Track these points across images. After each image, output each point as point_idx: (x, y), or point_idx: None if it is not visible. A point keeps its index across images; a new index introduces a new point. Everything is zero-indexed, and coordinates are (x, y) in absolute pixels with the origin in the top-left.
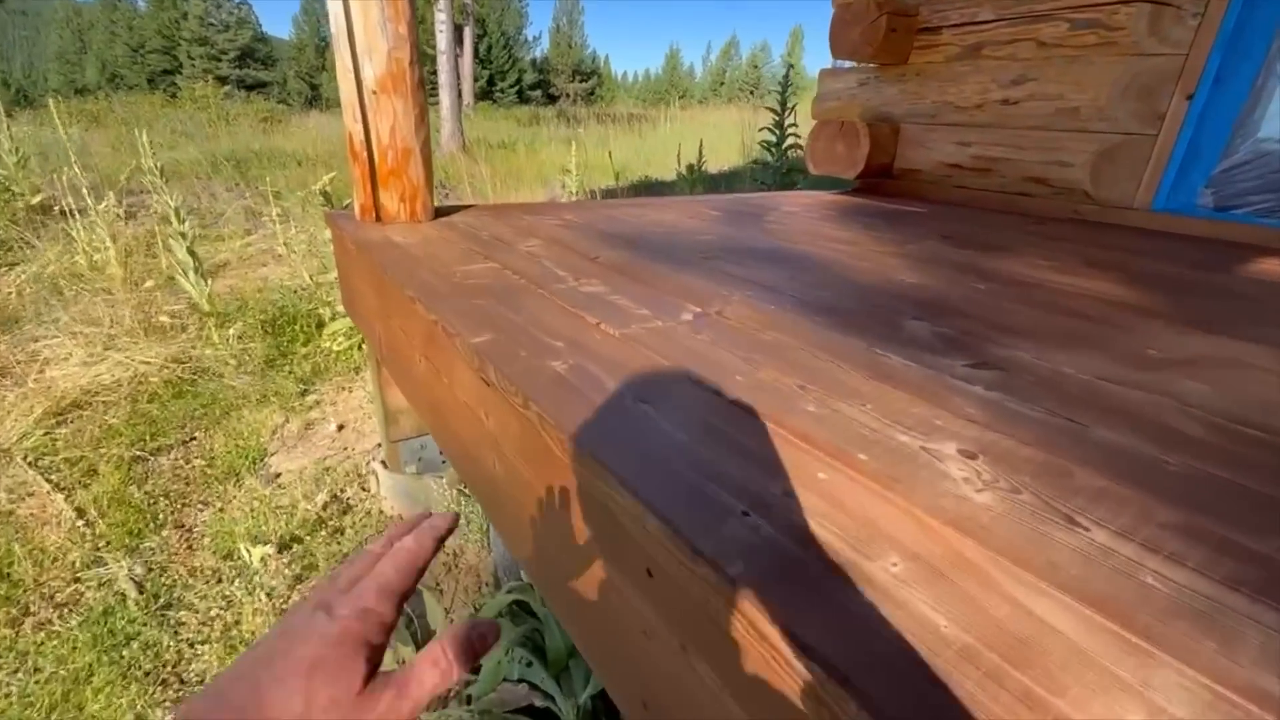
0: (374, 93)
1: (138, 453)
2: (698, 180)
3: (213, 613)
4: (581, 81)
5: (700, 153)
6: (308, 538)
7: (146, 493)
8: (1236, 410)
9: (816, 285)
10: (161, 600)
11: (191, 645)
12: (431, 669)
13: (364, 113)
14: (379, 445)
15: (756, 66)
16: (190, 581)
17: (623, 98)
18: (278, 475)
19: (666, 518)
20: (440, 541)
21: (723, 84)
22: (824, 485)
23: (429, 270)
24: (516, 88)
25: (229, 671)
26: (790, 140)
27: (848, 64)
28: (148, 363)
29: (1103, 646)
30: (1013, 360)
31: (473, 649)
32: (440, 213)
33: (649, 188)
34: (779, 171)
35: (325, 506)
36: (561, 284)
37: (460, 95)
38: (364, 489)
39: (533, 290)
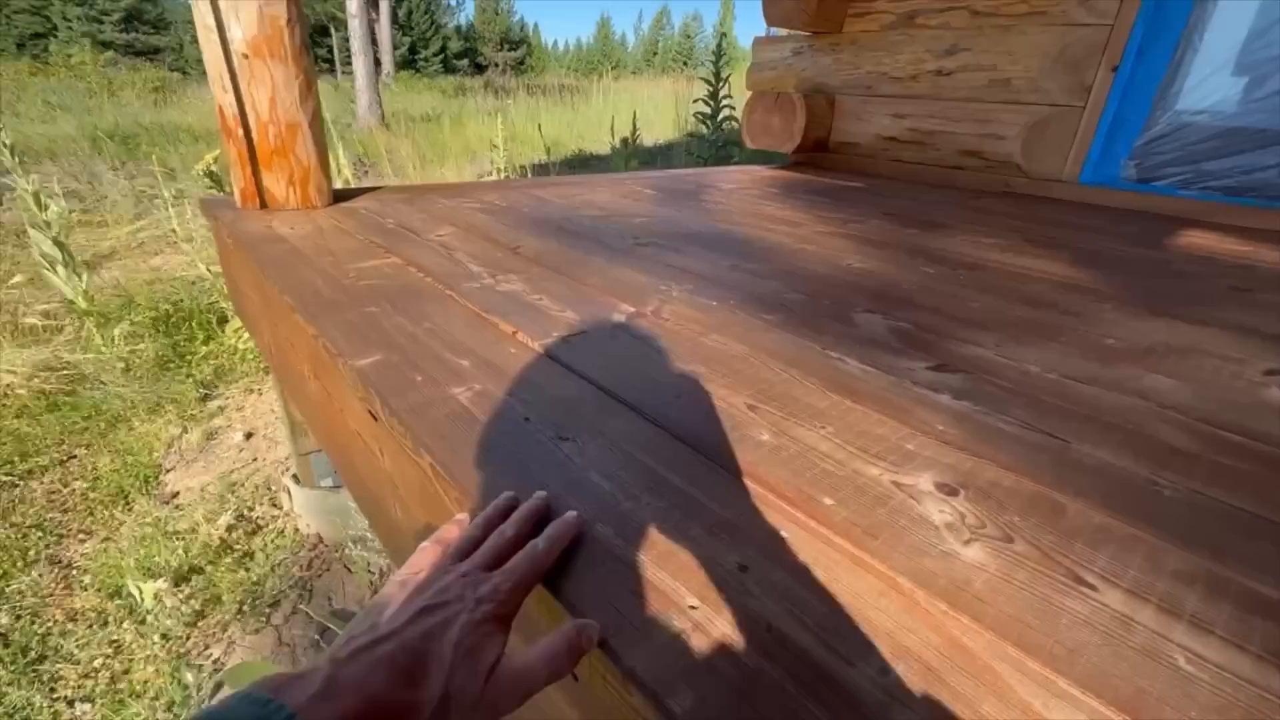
0: (245, 56)
1: (2, 478)
2: (632, 155)
3: (96, 663)
4: (510, 50)
5: (634, 126)
6: (209, 567)
7: (14, 525)
8: (1211, 410)
9: (762, 275)
10: (33, 653)
11: (70, 704)
12: (547, 664)
13: (235, 81)
14: (300, 455)
15: (689, 36)
16: (69, 628)
17: (554, 68)
18: (175, 495)
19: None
20: (565, 549)
21: (656, 54)
22: (788, 549)
23: (315, 269)
24: (441, 56)
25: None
26: (725, 113)
27: (783, 32)
28: (13, 371)
29: None
30: (976, 360)
31: (580, 648)
32: (341, 197)
33: (583, 162)
34: (715, 145)
35: (230, 529)
36: (475, 282)
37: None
38: (276, 506)
39: (440, 292)
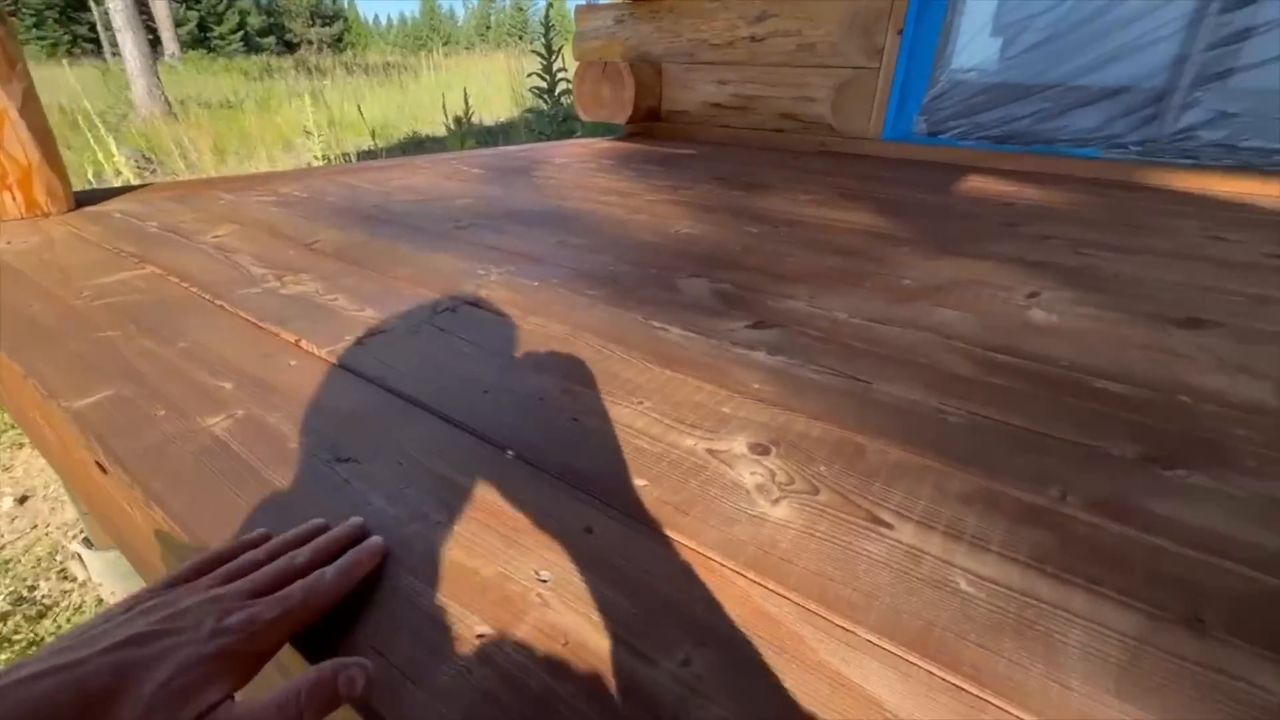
0: None
1: None
2: (469, 134)
3: None
4: (324, 26)
5: (467, 103)
6: None
7: None
8: (986, 336)
9: (589, 249)
10: None
11: None
12: (276, 715)
13: None
14: (85, 514)
15: (522, 9)
16: None
17: (377, 45)
18: None
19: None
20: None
21: (489, 28)
22: (593, 547)
23: (35, 292)
24: (241, 34)
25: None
26: (563, 86)
27: (604, 0)
28: None
29: (935, 717)
30: (791, 313)
31: (331, 694)
32: (89, 200)
33: (418, 145)
34: (555, 120)
35: (6, 616)
36: (255, 288)
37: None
38: (68, 578)
39: (206, 304)
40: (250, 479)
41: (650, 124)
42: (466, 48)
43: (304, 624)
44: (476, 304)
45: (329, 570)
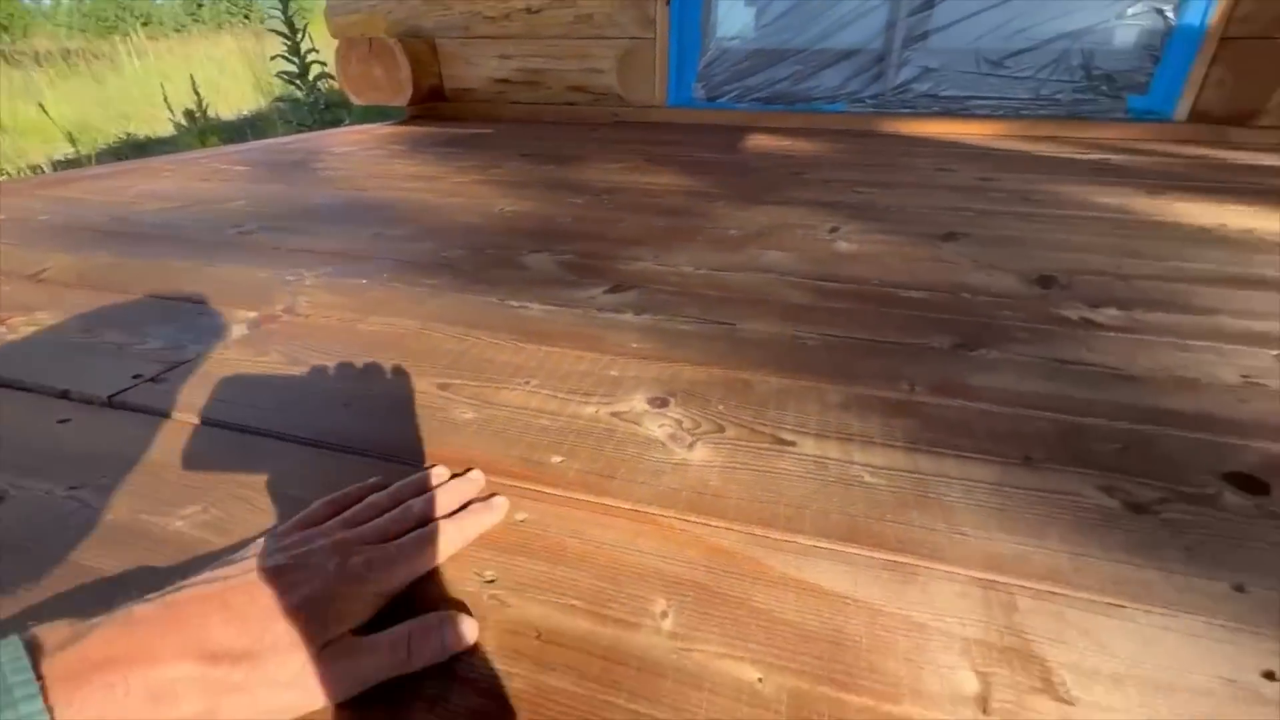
0: None
1: None
2: (209, 131)
3: None
4: None
5: (198, 95)
6: None
7: None
8: (811, 269)
9: (411, 239)
10: None
11: None
12: (388, 653)
13: None
14: None
15: None
16: None
17: (46, 29)
18: None
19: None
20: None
21: (200, 5)
22: (531, 533)
23: None
24: None
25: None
26: (318, 69)
27: None
28: None
29: (884, 589)
30: (641, 274)
31: (440, 645)
32: None
33: (139, 149)
34: (316, 108)
35: None
36: None
37: None
38: None
39: None
40: (56, 567)
41: (435, 105)
42: (176, 30)
43: (416, 574)
44: (297, 313)
45: (448, 524)
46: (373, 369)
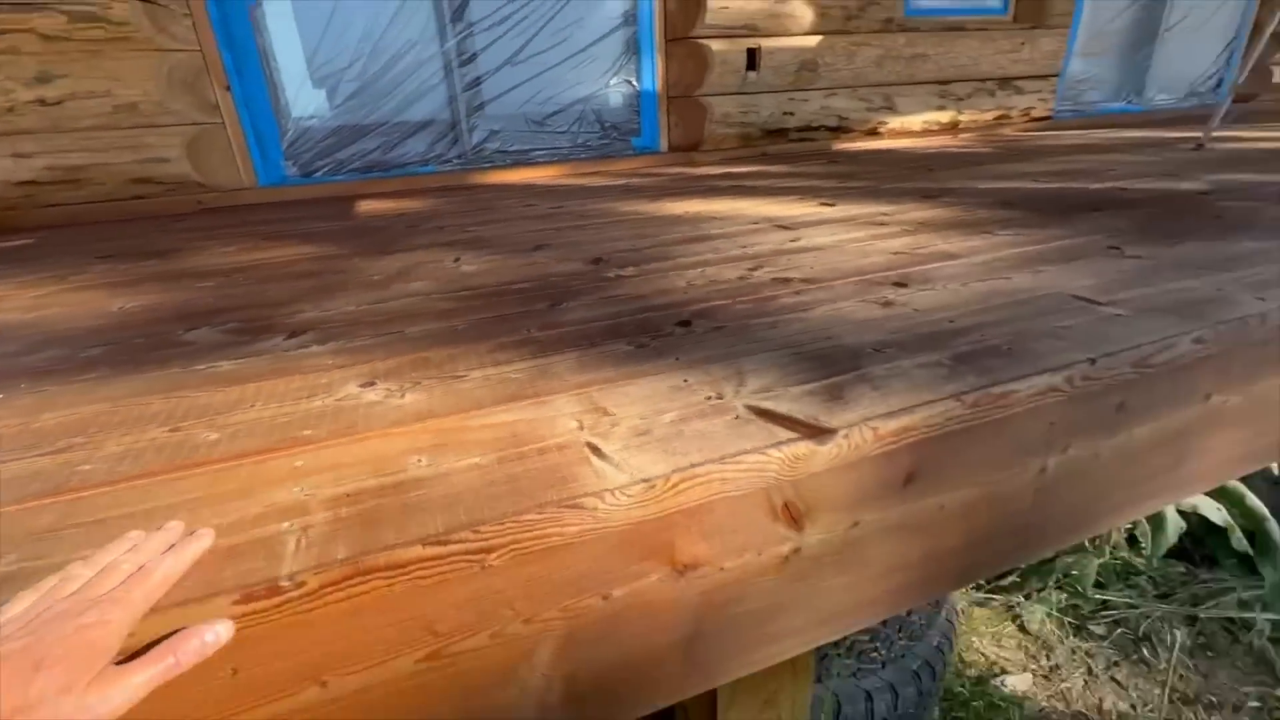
0: None
1: None
2: None
3: None
4: None
5: None
6: None
7: None
8: (447, 287)
9: (28, 351)
10: None
11: None
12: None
13: None
14: None
15: None
16: None
17: None
18: None
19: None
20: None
21: None
22: (306, 470)
23: None
24: None
25: None
26: None
27: None
28: None
29: (535, 412)
30: (311, 321)
31: (200, 648)
32: None
33: None
34: None
35: None
36: None
37: None
38: None
39: None
40: None
41: None
42: None
43: (141, 612)
44: None
45: (167, 562)
46: (68, 478)
